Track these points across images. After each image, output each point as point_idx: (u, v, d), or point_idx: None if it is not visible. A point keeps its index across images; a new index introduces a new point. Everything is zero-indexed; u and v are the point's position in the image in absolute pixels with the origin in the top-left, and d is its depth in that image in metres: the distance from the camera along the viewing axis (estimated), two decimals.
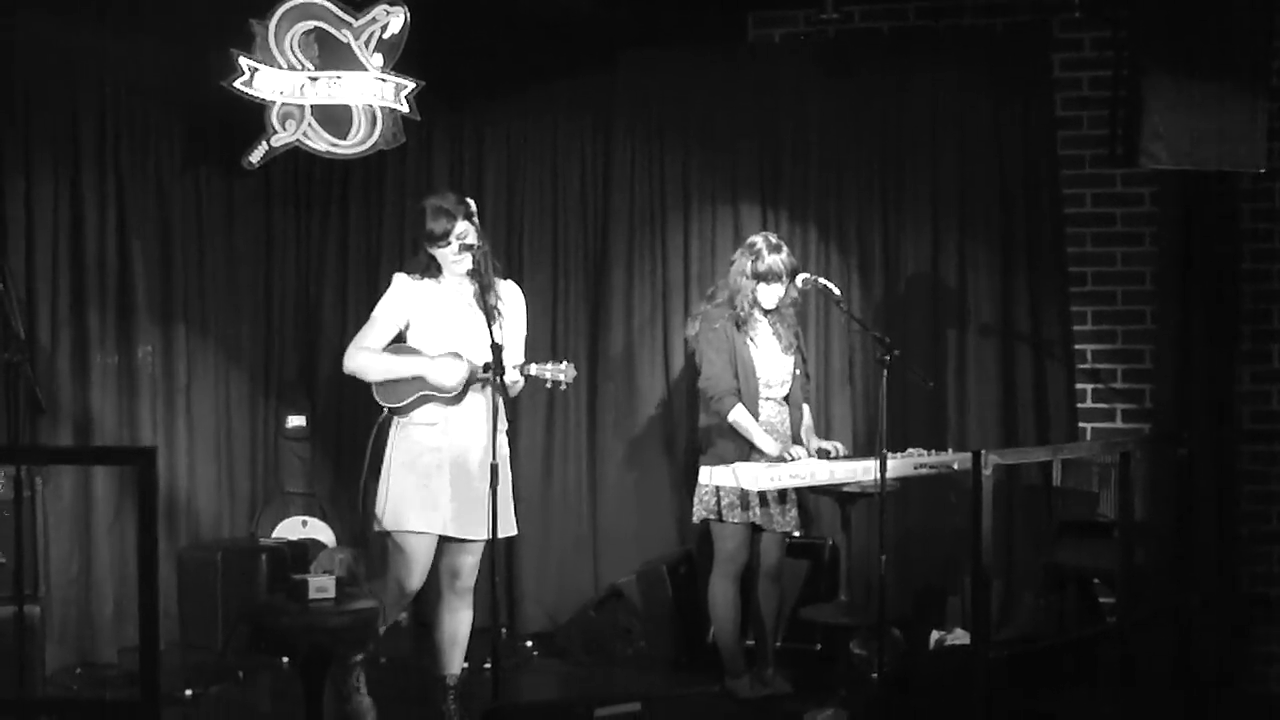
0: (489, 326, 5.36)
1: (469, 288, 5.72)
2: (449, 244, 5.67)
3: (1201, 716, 6.16)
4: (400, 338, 5.75)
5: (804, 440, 6.44)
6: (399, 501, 5.61)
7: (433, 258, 5.74)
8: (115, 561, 6.97)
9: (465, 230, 5.67)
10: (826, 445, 6.42)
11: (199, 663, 6.80)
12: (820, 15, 7.14)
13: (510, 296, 5.82)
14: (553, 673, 7.00)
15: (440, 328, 5.69)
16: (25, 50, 6.67)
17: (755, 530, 6.33)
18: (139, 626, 3.91)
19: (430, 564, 5.69)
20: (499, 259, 6.08)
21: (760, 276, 6.27)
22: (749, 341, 6.31)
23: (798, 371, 6.46)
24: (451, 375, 5.59)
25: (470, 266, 5.68)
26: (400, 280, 5.80)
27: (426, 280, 5.75)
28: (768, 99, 7.47)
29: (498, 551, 5.29)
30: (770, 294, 6.30)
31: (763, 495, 6.24)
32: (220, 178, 7.67)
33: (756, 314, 6.34)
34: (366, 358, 5.70)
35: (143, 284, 7.20)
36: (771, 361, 6.35)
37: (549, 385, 5.66)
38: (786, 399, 6.42)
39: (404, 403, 5.64)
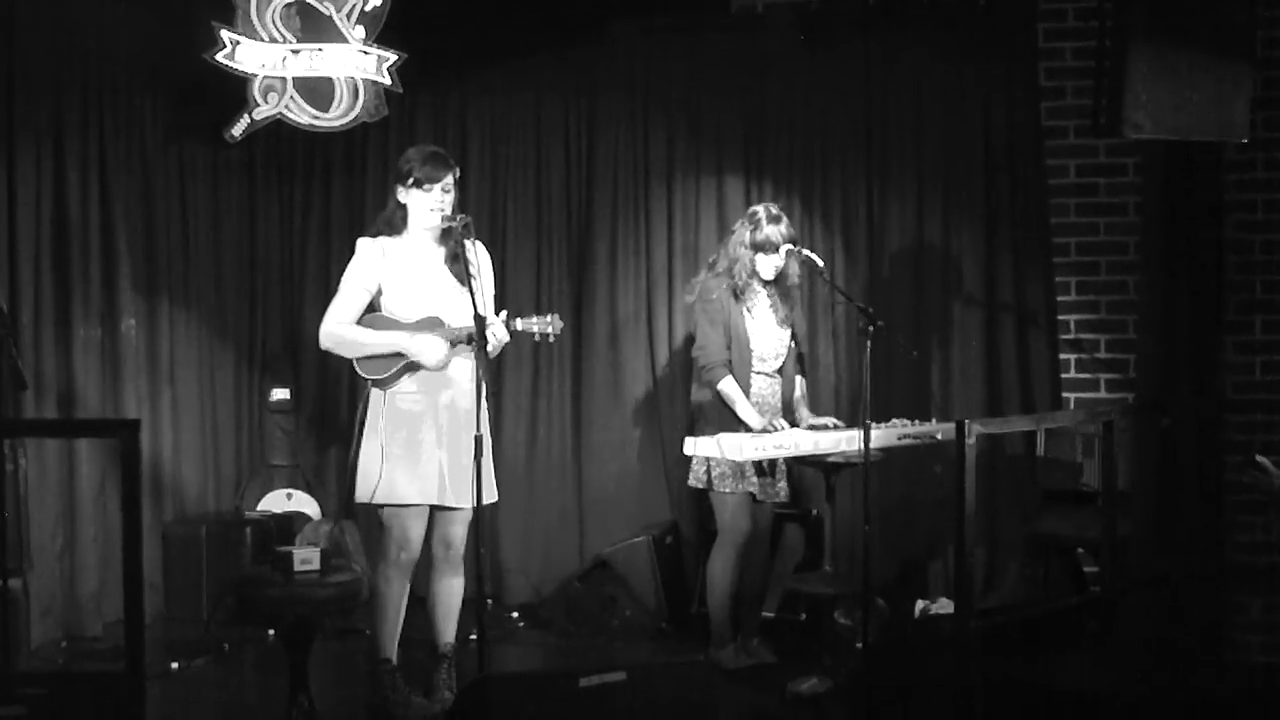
0: (471, 299, 5.25)
1: (438, 249, 5.66)
2: (432, 190, 5.57)
3: (1185, 685, 6.18)
4: (375, 305, 5.66)
5: (795, 410, 6.44)
6: (390, 473, 5.54)
7: (400, 206, 5.63)
8: (100, 535, 6.95)
9: (450, 184, 5.60)
10: (818, 421, 6.39)
11: (184, 636, 6.82)
12: None
13: (481, 257, 5.71)
14: (538, 643, 7.00)
15: (414, 290, 5.60)
16: (7, 21, 6.62)
17: (754, 501, 6.34)
18: (124, 600, 3.91)
19: (424, 533, 5.67)
20: (482, 230, 6.02)
21: (759, 246, 6.26)
22: (746, 312, 6.30)
23: (792, 345, 6.47)
24: (433, 354, 5.53)
25: (441, 224, 5.58)
26: (364, 245, 5.67)
27: (393, 239, 5.64)
28: (752, 70, 7.46)
29: (483, 521, 5.28)
30: (768, 264, 6.29)
31: (758, 466, 6.25)
32: (203, 150, 7.67)
33: (755, 285, 6.33)
34: (341, 333, 5.62)
35: (126, 257, 7.17)
36: (766, 334, 6.34)
37: (537, 339, 5.62)
38: (779, 371, 6.42)
39: (387, 375, 5.57)
